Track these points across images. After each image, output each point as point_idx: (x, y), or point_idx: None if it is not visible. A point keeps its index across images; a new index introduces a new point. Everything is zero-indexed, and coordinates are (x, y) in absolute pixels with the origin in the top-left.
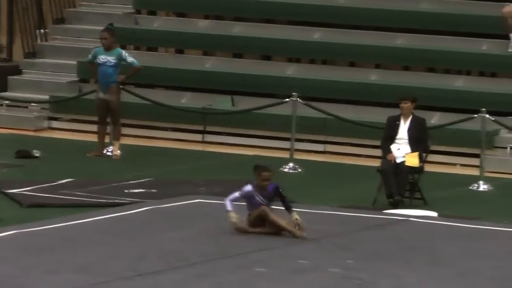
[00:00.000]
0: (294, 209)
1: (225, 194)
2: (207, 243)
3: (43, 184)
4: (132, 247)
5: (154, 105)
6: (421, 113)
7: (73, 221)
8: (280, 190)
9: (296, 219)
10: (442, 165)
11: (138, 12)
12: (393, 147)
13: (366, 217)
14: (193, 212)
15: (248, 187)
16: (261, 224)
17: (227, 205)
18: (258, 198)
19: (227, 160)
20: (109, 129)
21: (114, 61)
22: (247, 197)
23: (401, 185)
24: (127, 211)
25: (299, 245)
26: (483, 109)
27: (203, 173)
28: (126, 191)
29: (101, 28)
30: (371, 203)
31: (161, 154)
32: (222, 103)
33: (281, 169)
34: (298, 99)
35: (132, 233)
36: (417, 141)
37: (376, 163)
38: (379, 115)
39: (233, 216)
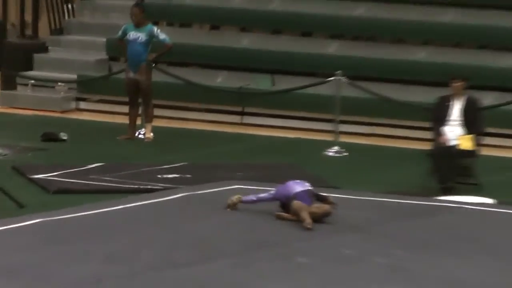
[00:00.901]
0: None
1: (264, 179)
2: (245, 232)
3: (71, 169)
4: (165, 236)
5: (188, 84)
6: (473, 93)
7: (102, 208)
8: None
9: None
10: (496, 148)
11: None
12: (445, 129)
13: (415, 204)
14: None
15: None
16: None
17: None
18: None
19: (266, 143)
20: (140, 110)
21: (145, 38)
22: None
23: (454, 170)
24: (160, 197)
25: (343, 234)
26: None
27: (241, 157)
28: (158, 176)
29: (132, 3)
30: (421, 189)
31: (196, 137)
32: (261, 82)
33: (325, 152)
34: (342, 78)
35: (165, 221)
36: (471, 123)
37: (427, 146)
38: (428, 95)
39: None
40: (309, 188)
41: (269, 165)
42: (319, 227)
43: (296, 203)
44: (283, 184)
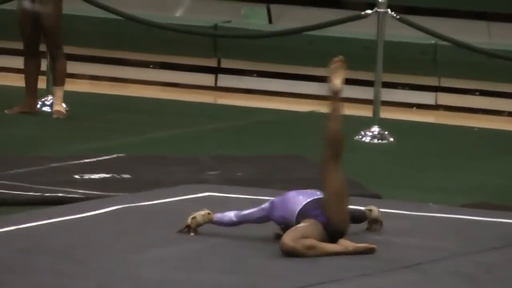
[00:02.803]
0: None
1: (253, 182)
2: (223, 265)
3: None
4: (84, 278)
5: (128, 22)
6: None
7: None
8: None
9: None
10: None
11: None
12: None
13: (509, 224)
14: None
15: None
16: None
17: None
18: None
19: (257, 120)
20: (45, 65)
21: None
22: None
23: None
24: (78, 213)
25: (392, 278)
26: None
27: (214, 145)
28: (76, 176)
29: None
30: None
31: (140, 110)
32: (251, 17)
33: (357, 137)
34: (389, 10)
35: (85, 255)
36: None
37: None
38: None
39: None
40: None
41: (262, 157)
42: (352, 264)
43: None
44: (281, 198)
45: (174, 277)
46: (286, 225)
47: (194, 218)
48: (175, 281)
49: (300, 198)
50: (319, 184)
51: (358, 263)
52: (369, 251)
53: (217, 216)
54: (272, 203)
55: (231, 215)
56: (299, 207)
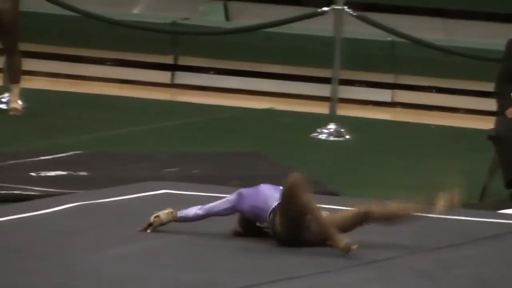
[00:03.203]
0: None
1: (210, 179)
2: (182, 262)
3: None
4: (44, 276)
5: (85, 19)
6: None
7: None
8: None
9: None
10: None
11: None
12: None
13: (467, 221)
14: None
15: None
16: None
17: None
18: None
19: (214, 117)
20: (1, 62)
21: None
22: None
23: None
24: (35, 211)
25: (354, 273)
26: None
27: (172, 141)
28: (32, 174)
29: None
30: (477, 196)
31: (97, 107)
32: (208, 14)
33: (313, 135)
34: (345, 7)
35: (43, 252)
36: None
37: (487, 123)
38: (488, 36)
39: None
40: None
41: (219, 155)
42: (310, 261)
43: (322, 219)
44: (252, 189)
45: (133, 274)
46: (255, 217)
47: (157, 216)
48: (134, 278)
49: (275, 196)
50: (274, 181)
51: (315, 260)
52: (346, 249)
53: (182, 212)
54: (240, 194)
55: (195, 209)
56: (274, 203)
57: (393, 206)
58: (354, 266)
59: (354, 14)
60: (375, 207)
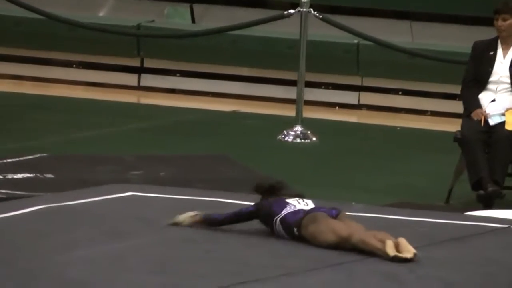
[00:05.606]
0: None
1: (178, 182)
2: (148, 265)
3: None
4: (6, 280)
5: (49, 20)
6: None
7: None
8: None
9: None
10: None
11: None
12: (484, 97)
13: (433, 223)
14: (122, 214)
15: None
16: None
17: None
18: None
19: (180, 120)
20: None
21: None
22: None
23: (498, 165)
24: (1, 213)
25: (317, 275)
26: None
27: (138, 144)
28: None
29: None
30: (443, 199)
31: (62, 110)
32: (174, 17)
33: (280, 137)
34: (311, 10)
35: (7, 255)
36: None
37: (453, 126)
38: (454, 39)
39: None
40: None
41: (184, 157)
42: (276, 264)
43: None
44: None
45: (100, 277)
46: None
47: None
48: (101, 281)
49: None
50: (241, 184)
51: (281, 263)
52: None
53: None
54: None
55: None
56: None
57: (371, 239)
58: (321, 268)
59: (320, 16)
60: (357, 235)
